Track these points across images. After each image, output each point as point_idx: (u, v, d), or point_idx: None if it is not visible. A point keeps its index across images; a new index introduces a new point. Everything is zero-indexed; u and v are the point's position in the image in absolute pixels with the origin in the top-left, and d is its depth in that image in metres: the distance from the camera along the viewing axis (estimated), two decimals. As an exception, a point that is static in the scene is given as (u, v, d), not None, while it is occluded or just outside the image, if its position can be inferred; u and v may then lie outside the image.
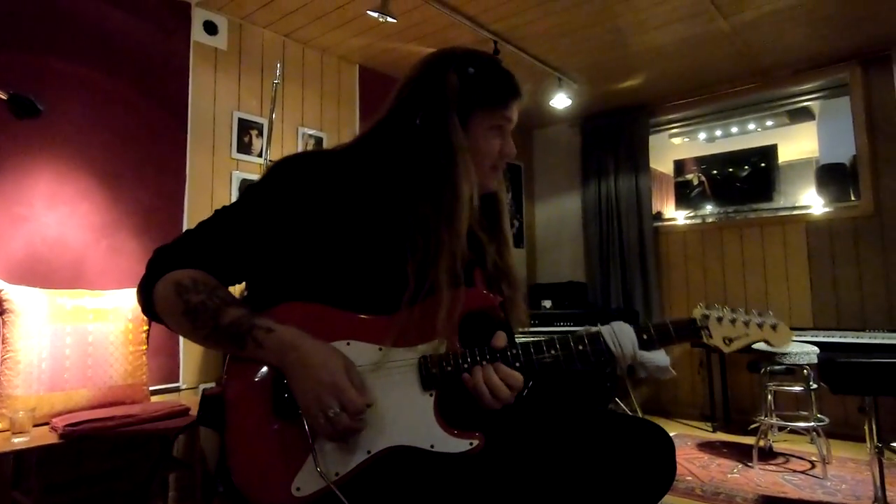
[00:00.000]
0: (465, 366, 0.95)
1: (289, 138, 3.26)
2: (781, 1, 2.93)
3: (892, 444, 2.80)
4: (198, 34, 2.87)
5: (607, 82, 4.05)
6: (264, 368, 0.93)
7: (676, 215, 4.61)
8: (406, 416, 0.93)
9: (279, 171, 1.03)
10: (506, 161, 1.12)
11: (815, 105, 4.25)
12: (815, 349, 2.86)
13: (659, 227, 4.46)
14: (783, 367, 2.90)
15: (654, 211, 4.45)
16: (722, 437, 3.61)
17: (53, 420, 1.96)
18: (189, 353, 2.71)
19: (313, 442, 0.88)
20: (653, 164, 4.53)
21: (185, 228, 2.48)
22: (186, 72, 2.82)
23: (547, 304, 4.46)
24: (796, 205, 4.11)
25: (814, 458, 2.99)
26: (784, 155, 4.30)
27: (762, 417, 3.05)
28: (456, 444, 0.91)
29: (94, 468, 2.28)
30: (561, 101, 3.92)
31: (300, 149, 3.26)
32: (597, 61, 3.66)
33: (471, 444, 0.91)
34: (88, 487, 2.19)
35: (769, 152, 4.29)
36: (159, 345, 2.53)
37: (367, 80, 3.67)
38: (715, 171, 4.48)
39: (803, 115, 4.34)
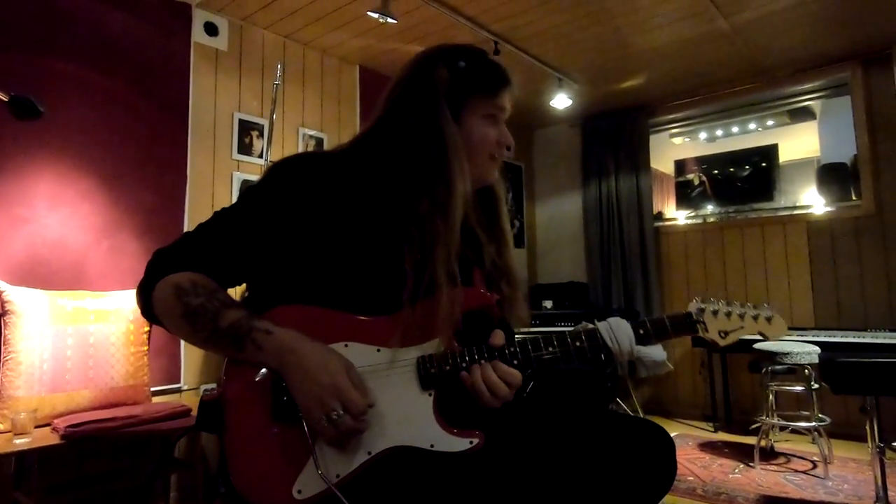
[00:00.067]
0: (464, 364, 0.95)
1: (289, 139, 3.26)
2: (782, 1, 2.93)
3: (894, 444, 2.79)
4: (198, 35, 2.87)
5: (608, 82, 4.04)
6: (263, 371, 0.93)
7: (677, 215, 4.61)
8: (406, 416, 0.93)
9: (277, 172, 1.03)
10: (504, 151, 1.11)
11: (815, 104, 4.25)
12: (817, 349, 2.85)
13: (660, 226, 4.46)
14: (784, 367, 2.89)
15: (654, 211, 4.44)
16: (723, 437, 3.60)
17: (55, 421, 1.96)
18: (190, 353, 2.71)
19: (313, 444, 0.88)
20: (653, 164, 4.53)
21: (185, 230, 2.49)
22: (187, 73, 2.82)
23: (548, 304, 4.46)
24: (797, 204, 4.10)
25: (815, 458, 2.98)
26: (785, 154, 4.30)
27: (763, 417, 3.04)
28: (456, 443, 0.91)
29: (95, 469, 2.29)
30: (561, 101, 3.92)
31: (301, 150, 3.26)
32: (597, 61, 3.66)
33: (471, 442, 0.91)
34: (90, 488, 2.20)
35: (770, 152, 4.29)
36: (161, 346, 2.53)
37: (367, 81, 3.67)
38: (716, 171, 4.48)
39: (804, 114, 4.33)
